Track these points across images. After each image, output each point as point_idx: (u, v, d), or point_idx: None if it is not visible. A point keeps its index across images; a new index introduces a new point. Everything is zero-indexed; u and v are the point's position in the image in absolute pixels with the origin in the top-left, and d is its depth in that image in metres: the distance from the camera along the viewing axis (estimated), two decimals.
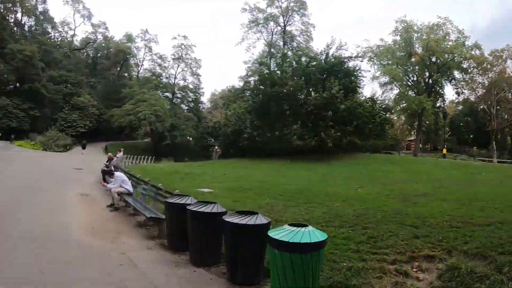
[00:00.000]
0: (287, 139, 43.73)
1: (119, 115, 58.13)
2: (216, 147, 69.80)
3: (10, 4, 66.89)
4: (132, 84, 70.51)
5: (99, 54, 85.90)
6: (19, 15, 72.43)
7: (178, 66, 79.07)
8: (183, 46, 77.91)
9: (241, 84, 58.67)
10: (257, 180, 19.75)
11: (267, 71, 46.72)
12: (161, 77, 78.94)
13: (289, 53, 52.35)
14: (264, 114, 41.70)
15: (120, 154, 27.90)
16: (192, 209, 6.76)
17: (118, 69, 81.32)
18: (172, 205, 7.66)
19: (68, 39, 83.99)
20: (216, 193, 14.18)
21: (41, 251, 7.14)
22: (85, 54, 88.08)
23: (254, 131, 43.00)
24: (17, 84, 61.33)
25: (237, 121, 46.62)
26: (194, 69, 79.79)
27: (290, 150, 40.75)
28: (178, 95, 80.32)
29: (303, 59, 45.12)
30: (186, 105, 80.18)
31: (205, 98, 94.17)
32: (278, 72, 46.14)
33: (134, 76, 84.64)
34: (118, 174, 12.70)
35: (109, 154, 23.67)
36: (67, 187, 16.38)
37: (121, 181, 12.12)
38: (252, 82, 51.91)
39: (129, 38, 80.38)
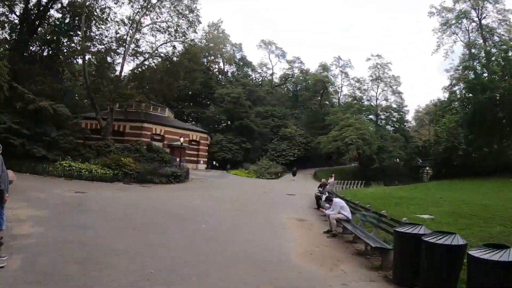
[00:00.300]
0: (507, 154, 38.02)
1: (325, 142, 58.54)
2: (427, 168, 64.84)
3: (213, 57, 76.02)
4: (334, 110, 70.76)
5: (298, 87, 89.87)
6: (221, 64, 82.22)
7: (378, 86, 77.34)
8: (379, 66, 76.38)
9: (446, 95, 54.87)
10: (478, 204, 17.83)
11: (474, 76, 41.74)
12: (362, 100, 77.79)
13: (493, 50, 45.47)
14: (478, 125, 37.09)
15: (331, 180, 28.45)
16: (429, 240, 6.00)
17: (319, 98, 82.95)
18: (403, 234, 6.95)
19: (268, 78, 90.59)
20: (438, 220, 13.16)
21: (259, 272, 7.28)
22: (285, 89, 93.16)
23: (468, 147, 38.70)
24: (228, 122, 68.18)
25: (449, 137, 42.79)
26: (394, 87, 76.85)
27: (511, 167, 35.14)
28: (382, 116, 77.77)
29: (511, 53, 38.65)
30: (391, 126, 77.04)
31: (409, 116, 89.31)
32: (485, 74, 40.84)
33: (335, 103, 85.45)
34: (337, 200, 12.27)
35: (323, 180, 23.83)
36: (282, 211, 16.83)
37: (339, 207, 11.71)
38: (457, 91, 48.41)
39: (324, 67, 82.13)
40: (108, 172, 26.14)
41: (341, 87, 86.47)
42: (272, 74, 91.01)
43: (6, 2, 38.14)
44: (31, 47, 41.17)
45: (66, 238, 8.96)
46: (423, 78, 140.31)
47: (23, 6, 37.07)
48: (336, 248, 10.05)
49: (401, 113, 77.94)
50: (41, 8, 37.57)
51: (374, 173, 57.28)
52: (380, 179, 52.90)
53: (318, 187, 28.50)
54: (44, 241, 8.54)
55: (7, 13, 39.78)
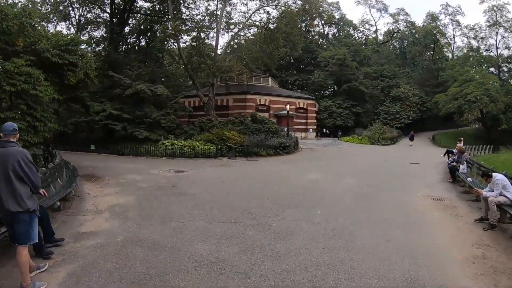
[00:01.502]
0: None
1: (444, 101, 52.32)
2: None
3: (310, 19, 70.68)
4: (451, 64, 63.29)
5: (405, 43, 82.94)
6: (320, 27, 77.40)
7: (497, 33, 66.47)
8: (495, 8, 65.43)
9: None
10: None
11: None
12: (479, 51, 68.33)
13: None
14: None
15: (460, 145, 23.78)
16: None
17: (430, 52, 75.01)
18: None
19: (372, 36, 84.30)
20: None
21: None
22: (391, 46, 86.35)
23: None
24: (335, 87, 64.34)
25: None
26: None
27: None
28: (504, 69, 67.35)
29: None
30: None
31: None
32: None
33: (449, 56, 77.07)
34: (499, 177, 8.68)
35: (459, 145, 18.90)
36: (411, 187, 13.58)
37: (501, 187, 8.35)
38: None
39: (432, 17, 73.81)
40: (211, 147, 24.56)
41: (453, 38, 77.02)
42: (376, 31, 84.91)
43: (97, 3, 39.50)
44: (128, 39, 42.70)
45: (139, 237, 7.08)
46: None
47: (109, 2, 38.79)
48: (503, 249, 6.83)
49: None
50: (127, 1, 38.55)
51: (499, 136, 49.50)
52: (507, 142, 43.40)
53: (445, 154, 25.00)
54: (110, 242, 6.76)
55: (100, 14, 41.89)
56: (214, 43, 37.66)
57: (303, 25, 68.50)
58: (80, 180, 13.04)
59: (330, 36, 79.84)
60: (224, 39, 40.38)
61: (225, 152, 24.33)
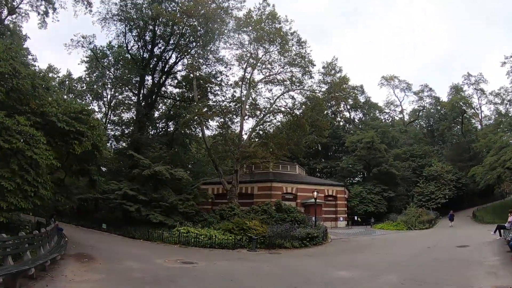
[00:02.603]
0: None
1: (482, 173, 49.45)
2: None
3: (335, 105, 70.65)
4: (483, 134, 60.37)
5: (431, 121, 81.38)
6: (346, 113, 77.35)
7: None
8: None
9: None
10: None
11: None
12: (508, 115, 64.17)
13: None
14: None
15: None
16: None
17: (458, 127, 73.55)
18: None
19: (399, 116, 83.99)
20: None
21: None
22: (418, 126, 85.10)
23: None
24: (364, 173, 62.25)
25: None
26: None
27: None
28: None
29: None
30: None
31: None
32: None
33: (477, 127, 74.82)
34: None
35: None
36: (468, 277, 11.02)
37: None
38: None
39: (457, 89, 72.31)
40: (229, 237, 22.28)
41: (480, 107, 74.72)
42: (401, 111, 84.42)
43: (128, 86, 40.61)
44: (158, 123, 43.29)
45: None
46: None
47: (137, 84, 39.86)
48: None
49: None
50: (156, 84, 39.71)
51: None
52: None
53: (496, 230, 21.67)
54: None
55: (131, 96, 42.61)
56: (238, 129, 37.02)
57: (329, 111, 68.37)
58: (69, 258, 11.27)
59: (356, 120, 79.28)
60: (248, 124, 40.48)
61: (244, 243, 21.84)
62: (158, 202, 26.24)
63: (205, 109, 34.86)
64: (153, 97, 39.81)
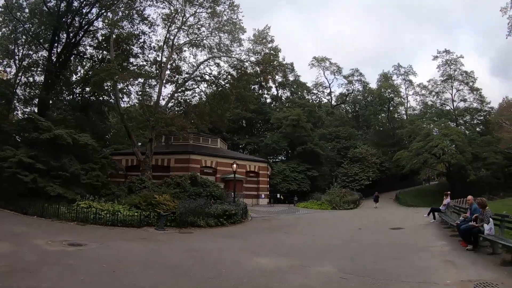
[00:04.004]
0: None
1: (408, 157, 50.92)
2: None
3: (264, 82, 70.25)
4: (410, 120, 64.00)
5: (358, 106, 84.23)
6: (274, 90, 77.08)
7: (452, 87, 67.42)
8: (448, 63, 67.07)
9: None
10: None
11: None
12: (433, 107, 69.43)
13: None
14: None
15: (447, 200, 21.08)
16: None
17: (383, 115, 77.15)
18: None
19: (326, 98, 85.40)
20: None
21: None
22: (345, 110, 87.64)
23: None
24: (289, 151, 61.62)
25: None
26: (470, 83, 66.26)
27: None
28: (461, 121, 68.05)
29: None
30: (471, 131, 65.61)
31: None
32: None
33: (403, 115, 79.40)
34: None
35: (479, 200, 13.63)
36: (423, 268, 9.30)
37: None
38: None
39: (386, 77, 76.29)
40: (135, 213, 19.28)
41: (406, 97, 79.65)
42: (330, 93, 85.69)
43: (40, 41, 35.74)
44: (74, 89, 38.44)
45: None
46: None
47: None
48: None
49: (484, 112, 66.93)
50: (72, 40, 34.45)
51: (465, 189, 46.67)
52: (475, 195, 39.44)
53: (430, 213, 21.33)
54: None
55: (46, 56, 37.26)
56: (156, 96, 33.86)
57: (256, 86, 66.97)
58: None
59: (283, 98, 78.71)
60: (169, 90, 37.47)
61: (153, 221, 18.94)
62: (57, 171, 22.36)
63: (121, 69, 31.10)
64: (67, 55, 34.74)
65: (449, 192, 22.51)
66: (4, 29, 37.42)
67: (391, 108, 75.32)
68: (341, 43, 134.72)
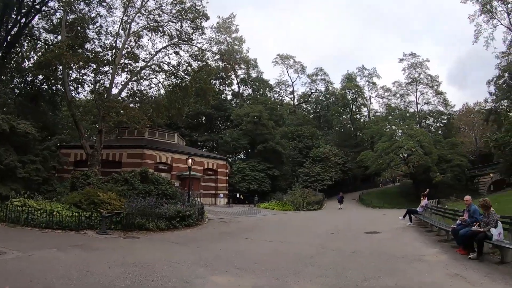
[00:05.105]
0: None
1: (373, 158, 50.77)
2: (492, 174, 52.88)
3: (225, 75, 68.49)
4: (375, 121, 64.60)
5: (320, 106, 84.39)
6: (235, 86, 75.58)
7: (416, 89, 69.97)
8: (414, 65, 69.37)
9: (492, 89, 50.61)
10: None
11: None
12: (397, 110, 71.30)
13: None
14: None
15: (425, 201, 20.38)
16: None
17: (344, 116, 77.99)
18: None
19: (289, 97, 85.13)
20: None
21: None
22: (307, 109, 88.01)
23: None
24: (249, 149, 60.45)
25: None
26: (435, 87, 68.85)
27: None
28: (424, 124, 70.15)
29: None
30: (434, 133, 66.79)
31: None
32: None
33: (366, 117, 79.86)
34: None
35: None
36: (427, 282, 7.59)
37: None
38: None
39: (350, 78, 76.71)
40: (75, 214, 16.71)
41: (369, 99, 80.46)
42: (292, 92, 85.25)
43: None
44: (26, 76, 35.94)
45: None
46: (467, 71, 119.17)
47: None
48: None
49: (449, 116, 69.85)
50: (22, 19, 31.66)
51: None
52: (439, 196, 40.97)
53: (405, 215, 20.18)
54: None
55: None
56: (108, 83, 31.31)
57: (217, 82, 65.35)
58: None
59: (245, 95, 77.62)
60: (123, 78, 35.57)
61: (94, 223, 16.40)
62: None
63: (73, 54, 28.28)
64: (17, 35, 31.95)
65: (426, 193, 21.44)
66: None
67: (354, 109, 75.90)
68: (307, 44, 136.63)
